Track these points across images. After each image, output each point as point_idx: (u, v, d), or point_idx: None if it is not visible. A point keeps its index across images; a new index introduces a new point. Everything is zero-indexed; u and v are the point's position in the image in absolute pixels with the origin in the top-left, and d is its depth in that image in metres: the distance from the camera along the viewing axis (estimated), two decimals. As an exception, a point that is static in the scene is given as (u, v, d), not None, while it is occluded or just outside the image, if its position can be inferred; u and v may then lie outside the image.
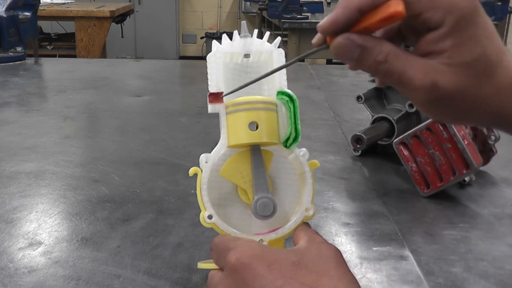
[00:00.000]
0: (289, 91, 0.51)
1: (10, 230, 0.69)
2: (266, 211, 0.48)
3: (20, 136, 1.07)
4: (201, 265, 0.53)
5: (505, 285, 0.61)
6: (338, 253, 0.45)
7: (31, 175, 0.87)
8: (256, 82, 0.48)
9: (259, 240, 0.50)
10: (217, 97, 0.50)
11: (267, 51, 0.51)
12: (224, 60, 0.51)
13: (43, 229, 0.70)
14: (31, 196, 0.79)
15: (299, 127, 0.50)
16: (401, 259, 0.65)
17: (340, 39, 0.40)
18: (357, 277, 0.60)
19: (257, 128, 0.48)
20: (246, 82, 0.49)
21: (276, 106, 0.50)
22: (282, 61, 0.52)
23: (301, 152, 0.51)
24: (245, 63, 0.51)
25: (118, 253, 0.64)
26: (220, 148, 0.50)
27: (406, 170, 0.84)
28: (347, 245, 0.68)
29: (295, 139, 0.50)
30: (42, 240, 0.67)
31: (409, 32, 0.43)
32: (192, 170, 0.50)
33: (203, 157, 0.50)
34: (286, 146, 0.50)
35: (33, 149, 0.99)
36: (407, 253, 0.66)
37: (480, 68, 0.40)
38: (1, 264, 0.61)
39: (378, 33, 0.45)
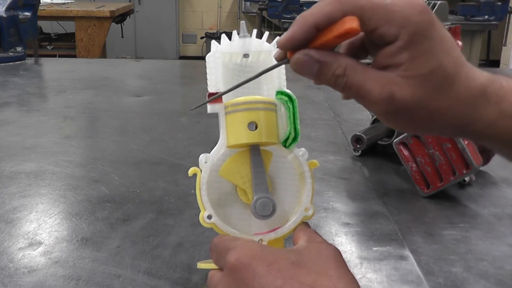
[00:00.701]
0: (288, 91, 0.51)
1: (10, 230, 0.69)
2: (266, 211, 0.48)
3: (20, 136, 1.07)
4: (201, 265, 0.53)
5: (505, 285, 0.61)
6: (337, 253, 0.45)
7: (31, 175, 0.87)
8: (255, 82, 0.48)
9: (259, 240, 0.50)
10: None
11: (266, 51, 0.51)
12: (223, 60, 0.51)
13: (43, 229, 0.70)
14: (31, 196, 0.79)
15: (298, 127, 0.50)
16: (401, 259, 0.65)
17: (298, 55, 0.42)
18: (357, 277, 0.60)
19: (256, 128, 0.48)
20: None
21: (276, 106, 0.50)
22: None
23: (300, 152, 0.51)
24: (244, 63, 0.51)
25: (118, 253, 0.64)
26: (219, 148, 0.50)
27: (406, 170, 0.84)
28: (347, 245, 0.68)
29: (295, 139, 0.50)
30: (42, 240, 0.67)
31: (370, 46, 0.44)
32: (191, 170, 0.50)
33: (202, 157, 0.50)
34: (285, 146, 0.50)
35: (33, 149, 0.99)
36: (407, 253, 0.66)
37: (437, 80, 0.41)
38: (1, 264, 0.61)
39: (342, 47, 0.46)
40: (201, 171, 0.50)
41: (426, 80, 0.40)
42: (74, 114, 1.25)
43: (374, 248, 0.67)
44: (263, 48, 0.51)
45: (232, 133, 0.49)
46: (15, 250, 0.64)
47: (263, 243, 0.50)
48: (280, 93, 0.51)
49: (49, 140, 1.05)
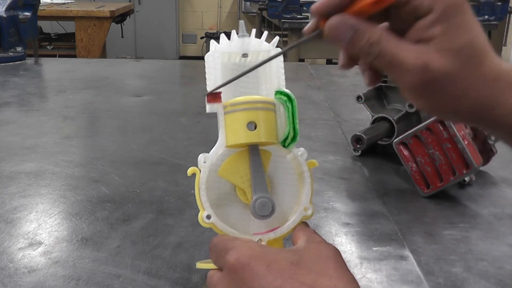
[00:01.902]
0: (287, 91, 0.51)
1: (10, 230, 0.69)
2: (265, 210, 0.48)
3: (20, 136, 1.07)
4: (200, 265, 0.53)
5: (505, 285, 0.61)
6: (337, 253, 0.45)
7: (31, 175, 0.87)
8: (254, 82, 0.48)
9: (258, 240, 0.50)
10: (215, 97, 0.50)
11: (265, 50, 0.51)
12: (222, 60, 0.51)
13: (43, 229, 0.70)
14: (31, 196, 0.79)
15: (297, 126, 0.50)
16: (401, 259, 0.65)
17: (334, 19, 0.41)
18: (357, 277, 0.60)
19: (255, 128, 0.48)
20: (244, 82, 0.49)
21: (275, 106, 0.50)
22: (280, 60, 0.52)
23: (300, 151, 0.51)
24: (243, 62, 0.51)
25: (118, 253, 0.64)
26: (218, 148, 0.50)
27: (406, 170, 0.84)
28: (347, 245, 0.68)
29: (294, 138, 0.50)
30: (42, 240, 0.67)
31: (397, 24, 0.43)
32: (190, 170, 0.50)
33: (201, 157, 0.50)
34: (284, 146, 0.50)
35: (33, 149, 0.99)
36: (407, 253, 0.66)
37: (469, 55, 0.41)
38: (1, 264, 0.61)
39: None
40: (200, 171, 0.50)
41: (458, 53, 0.40)
42: (74, 114, 1.25)
43: (374, 248, 0.67)
44: (262, 48, 0.51)
45: (231, 133, 0.49)
46: (15, 250, 0.64)
47: (262, 243, 0.50)
48: (279, 93, 0.51)
49: (49, 140, 1.05)
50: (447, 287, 0.60)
